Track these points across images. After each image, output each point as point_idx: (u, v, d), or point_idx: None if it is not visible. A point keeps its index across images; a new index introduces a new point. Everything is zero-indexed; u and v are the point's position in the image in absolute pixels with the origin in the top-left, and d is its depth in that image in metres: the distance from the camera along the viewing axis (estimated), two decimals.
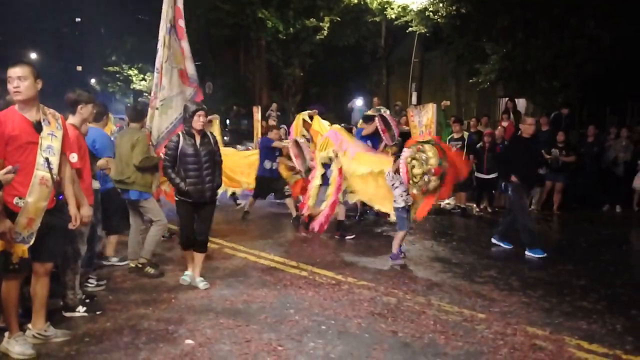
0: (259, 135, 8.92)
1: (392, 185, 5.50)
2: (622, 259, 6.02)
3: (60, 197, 3.32)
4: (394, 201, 5.51)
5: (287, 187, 7.69)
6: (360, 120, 7.93)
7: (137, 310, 4.04)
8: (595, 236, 6.38)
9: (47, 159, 3.13)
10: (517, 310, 4.23)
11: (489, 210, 9.14)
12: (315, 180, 6.52)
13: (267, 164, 7.60)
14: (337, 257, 5.89)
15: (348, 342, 3.52)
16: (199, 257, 4.69)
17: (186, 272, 4.77)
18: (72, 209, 3.40)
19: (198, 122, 4.46)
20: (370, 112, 7.57)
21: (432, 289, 4.76)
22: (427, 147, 5.15)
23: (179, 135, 4.53)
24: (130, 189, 4.85)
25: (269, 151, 7.65)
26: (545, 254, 5.88)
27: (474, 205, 9.18)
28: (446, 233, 6.93)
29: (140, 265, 4.89)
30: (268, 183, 7.70)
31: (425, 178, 5.08)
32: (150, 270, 4.87)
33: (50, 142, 3.18)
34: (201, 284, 4.63)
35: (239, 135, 14.91)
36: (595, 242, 6.03)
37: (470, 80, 12.77)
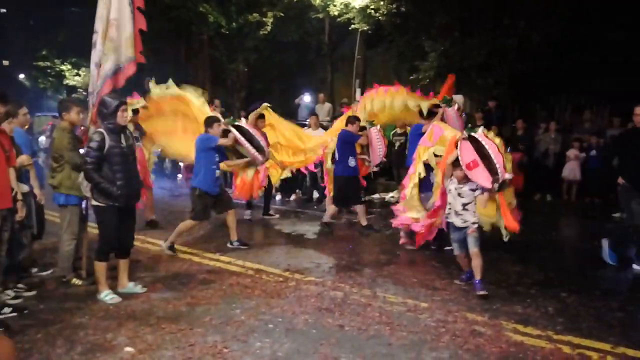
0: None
1: (472, 190, 4.53)
2: (553, 245, 6.41)
3: None
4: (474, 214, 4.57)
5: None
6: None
7: (71, 319, 3.82)
8: (528, 224, 6.71)
9: None
10: (457, 298, 4.40)
11: None
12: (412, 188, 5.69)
13: (352, 162, 6.78)
14: (284, 254, 5.86)
15: (295, 339, 3.51)
16: (125, 263, 4.42)
17: (106, 292, 4.22)
18: None
19: (122, 117, 4.16)
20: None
21: (377, 281, 4.85)
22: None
23: (102, 133, 4.08)
24: (56, 192, 4.50)
25: (351, 147, 6.82)
26: None
27: None
28: (389, 226, 7.07)
29: (64, 280, 4.58)
30: (355, 184, 6.94)
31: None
32: (77, 282, 4.58)
33: None
34: (138, 287, 4.43)
35: None
36: (528, 229, 6.35)
37: (411, 77, 13.10)
